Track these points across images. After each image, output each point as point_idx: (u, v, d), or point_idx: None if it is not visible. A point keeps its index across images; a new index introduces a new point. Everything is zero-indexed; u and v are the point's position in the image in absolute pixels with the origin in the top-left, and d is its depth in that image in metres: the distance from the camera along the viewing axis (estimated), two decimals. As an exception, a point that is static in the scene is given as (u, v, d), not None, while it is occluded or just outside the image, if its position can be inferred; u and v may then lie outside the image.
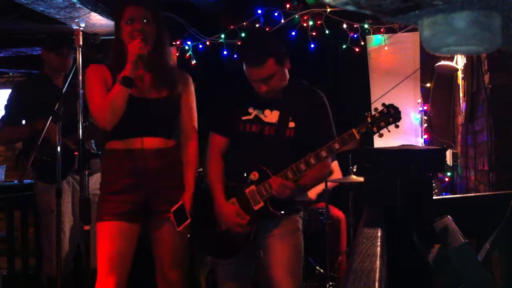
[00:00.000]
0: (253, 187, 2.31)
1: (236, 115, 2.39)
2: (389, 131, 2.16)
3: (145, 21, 2.25)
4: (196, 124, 2.47)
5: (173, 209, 2.30)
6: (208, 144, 2.46)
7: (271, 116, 2.35)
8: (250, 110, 2.38)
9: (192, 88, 2.48)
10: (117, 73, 2.26)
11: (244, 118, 2.37)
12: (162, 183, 2.33)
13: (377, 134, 2.14)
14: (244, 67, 2.31)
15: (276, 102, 2.36)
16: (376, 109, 2.15)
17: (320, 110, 2.38)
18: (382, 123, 2.14)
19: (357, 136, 2.13)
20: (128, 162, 2.28)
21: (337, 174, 4.39)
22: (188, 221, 2.32)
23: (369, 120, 2.14)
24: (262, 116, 2.36)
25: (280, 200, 2.29)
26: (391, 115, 2.14)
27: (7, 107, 3.32)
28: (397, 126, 2.16)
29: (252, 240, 2.34)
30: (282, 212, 2.32)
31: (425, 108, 4.84)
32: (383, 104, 2.17)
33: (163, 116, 2.37)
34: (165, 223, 2.33)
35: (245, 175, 2.34)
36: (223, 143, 2.43)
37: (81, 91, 2.07)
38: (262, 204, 2.29)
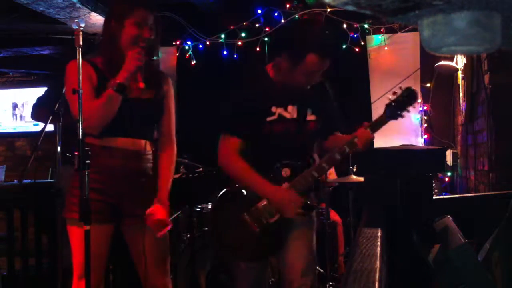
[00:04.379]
0: (286, 183, 2.26)
1: (259, 117, 2.30)
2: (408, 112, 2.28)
3: (150, 29, 2.19)
4: (174, 128, 2.39)
5: (148, 211, 2.18)
6: (223, 147, 2.33)
7: (293, 112, 2.33)
8: (273, 109, 2.31)
9: (172, 91, 2.40)
10: (104, 71, 2.19)
11: (269, 119, 2.30)
12: (139, 187, 2.24)
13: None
14: (306, 57, 2.17)
15: (294, 96, 2.33)
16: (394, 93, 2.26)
17: (330, 95, 2.45)
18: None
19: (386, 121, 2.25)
20: (105, 159, 2.20)
21: (332, 175, 4.39)
22: (170, 226, 2.21)
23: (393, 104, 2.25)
24: (285, 114, 2.32)
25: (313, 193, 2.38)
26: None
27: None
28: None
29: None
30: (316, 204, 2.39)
31: (425, 108, 4.84)
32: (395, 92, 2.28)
33: (149, 117, 2.30)
34: (146, 228, 2.22)
35: (277, 167, 2.31)
36: (240, 145, 2.32)
37: (80, 91, 2.04)
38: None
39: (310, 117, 2.35)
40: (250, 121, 2.29)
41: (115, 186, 2.21)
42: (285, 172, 2.28)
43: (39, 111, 3.72)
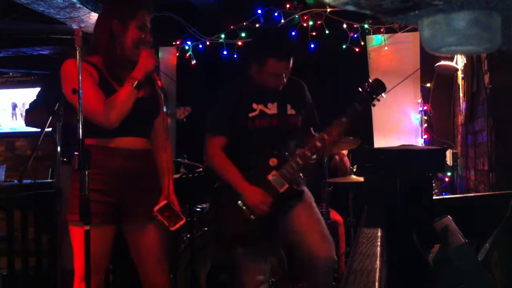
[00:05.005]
0: (274, 172, 2.44)
1: (241, 113, 2.49)
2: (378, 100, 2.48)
3: (150, 32, 2.23)
4: (167, 125, 2.44)
5: (156, 207, 2.19)
6: (208, 147, 2.53)
7: (273, 108, 2.52)
8: (254, 106, 2.50)
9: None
10: (103, 70, 2.19)
11: (251, 115, 2.49)
12: (140, 186, 2.24)
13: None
14: (267, 61, 2.42)
15: (273, 95, 2.52)
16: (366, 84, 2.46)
17: (308, 95, 2.67)
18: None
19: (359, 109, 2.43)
20: (106, 159, 2.19)
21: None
22: (183, 221, 2.24)
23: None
24: (266, 110, 2.51)
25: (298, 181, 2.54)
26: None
27: None
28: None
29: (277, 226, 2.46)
30: (302, 189, 2.53)
31: (425, 108, 4.84)
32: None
33: (149, 116, 2.32)
34: (147, 227, 2.23)
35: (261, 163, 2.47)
36: (224, 143, 2.52)
37: (80, 91, 2.03)
38: (287, 185, 2.44)
39: (291, 112, 2.56)
40: (233, 118, 2.50)
41: (116, 186, 2.21)
42: (273, 162, 2.46)
43: (33, 114, 3.64)
